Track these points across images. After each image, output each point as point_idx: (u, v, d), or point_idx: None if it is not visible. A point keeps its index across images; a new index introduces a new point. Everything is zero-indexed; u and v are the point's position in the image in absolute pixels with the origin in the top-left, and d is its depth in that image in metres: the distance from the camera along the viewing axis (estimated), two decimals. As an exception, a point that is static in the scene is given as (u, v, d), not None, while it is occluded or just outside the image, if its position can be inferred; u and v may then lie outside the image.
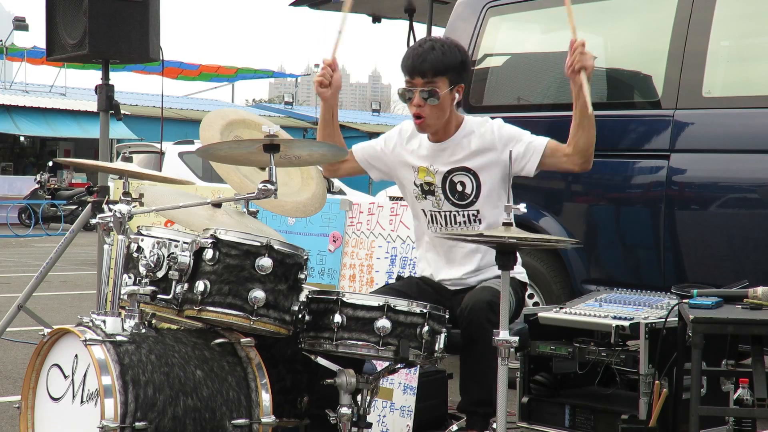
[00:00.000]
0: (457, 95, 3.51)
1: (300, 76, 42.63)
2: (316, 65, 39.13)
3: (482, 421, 3.27)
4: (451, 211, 3.59)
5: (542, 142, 3.54)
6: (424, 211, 3.66)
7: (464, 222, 3.59)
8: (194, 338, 3.11)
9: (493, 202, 3.54)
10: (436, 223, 3.63)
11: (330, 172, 3.89)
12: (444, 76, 3.45)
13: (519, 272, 3.67)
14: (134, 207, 3.15)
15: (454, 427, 3.54)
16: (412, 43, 7.84)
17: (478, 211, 3.55)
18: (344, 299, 3.07)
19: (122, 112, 5.65)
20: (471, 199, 3.56)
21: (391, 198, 11.27)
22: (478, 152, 3.54)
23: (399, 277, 3.93)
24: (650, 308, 4.06)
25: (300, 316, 3.12)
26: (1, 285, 10.09)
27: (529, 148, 3.52)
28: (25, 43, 24.29)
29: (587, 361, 4.13)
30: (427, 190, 3.62)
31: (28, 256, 13.87)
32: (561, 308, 4.25)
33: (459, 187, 3.57)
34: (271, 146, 3.08)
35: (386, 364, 3.22)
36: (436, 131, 3.58)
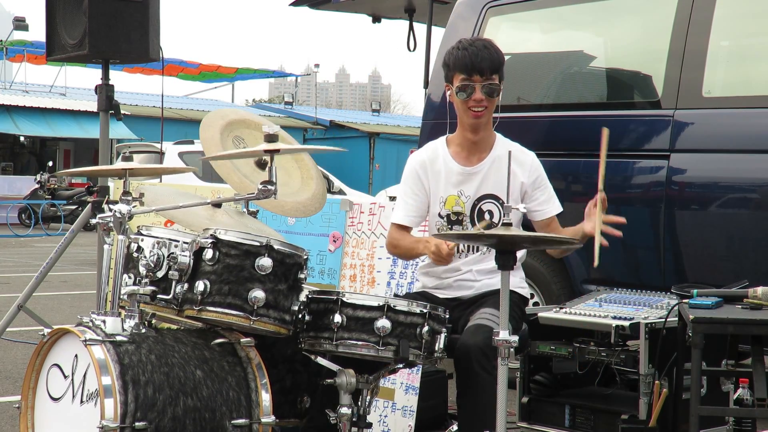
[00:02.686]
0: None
1: (300, 75, 42.60)
2: (316, 65, 39.19)
3: None
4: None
5: (554, 210, 3.65)
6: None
7: (487, 250, 3.58)
8: (194, 338, 3.11)
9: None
10: (456, 252, 3.57)
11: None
12: (497, 74, 3.56)
13: (521, 286, 3.64)
14: (134, 207, 3.15)
15: (454, 427, 3.54)
16: (412, 43, 7.85)
17: None
18: (344, 299, 3.07)
19: (122, 112, 5.64)
20: None
21: (391, 198, 11.23)
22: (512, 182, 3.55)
23: (395, 296, 3.91)
24: (650, 308, 4.06)
25: (300, 316, 3.12)
26: (1, 285, 10.09)
27: (545, 206, 3.63)
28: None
29: (587, 361, 4.13)
30: (454, 220, 3.61)
31: (28, 256, 13.87)
32: (561, 308, 4.24)
33: (487, 216, 3.57)
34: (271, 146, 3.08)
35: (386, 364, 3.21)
36: (479, 132, 3.59)
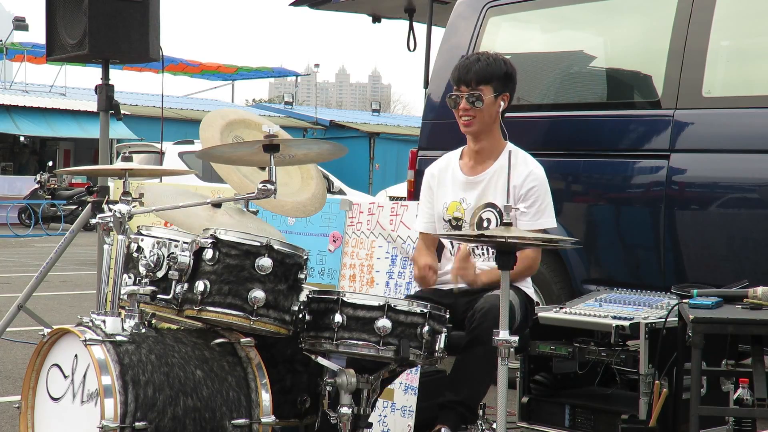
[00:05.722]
0: (502, 103, 3.71)
1: (300, 75, 42.60)
2: (316, 65, 39.20)
3: (455, 419, 3.32)
4: (473, 244, 3.65)
5: (528, 227, 3.59)
6: (447, 242, 3.74)
7: (482, 254, 3.68)
8: (194, 338, 3.11)
9: None
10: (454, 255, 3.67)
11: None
12: (488, 85, 3.67)
13: (527, 286, 3.74)
14: (134, 207, 3.15)
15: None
16: (412, 43, 7.85)
17: None
18: (344, 299, 3.07)
19: (122, 112, 5.64)
20: None
21: (391, 198, 11.23)
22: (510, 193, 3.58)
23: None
24: (650, 308, 4.06)
25: (300, 316, 3.12)
26: (1, 285, 10.09)
27: (521, 218, 3.60)
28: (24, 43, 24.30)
29: (587, 361, 4.13)
30: (455, 225, 3.72)
31: (28, 256, 13.87)
32: (561, 308, 4.24)
33: (485, 224, 3.66)
34: (271, 146, 3.08)
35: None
36: (480, 140, 3.70)
